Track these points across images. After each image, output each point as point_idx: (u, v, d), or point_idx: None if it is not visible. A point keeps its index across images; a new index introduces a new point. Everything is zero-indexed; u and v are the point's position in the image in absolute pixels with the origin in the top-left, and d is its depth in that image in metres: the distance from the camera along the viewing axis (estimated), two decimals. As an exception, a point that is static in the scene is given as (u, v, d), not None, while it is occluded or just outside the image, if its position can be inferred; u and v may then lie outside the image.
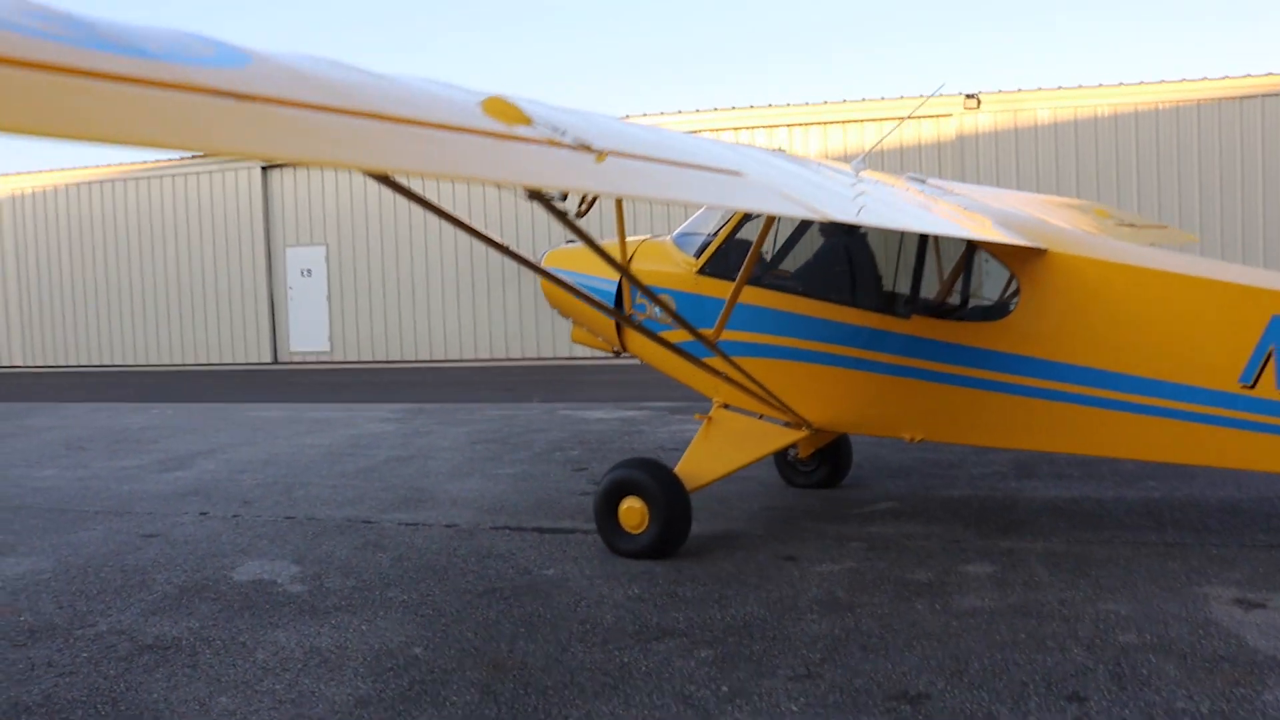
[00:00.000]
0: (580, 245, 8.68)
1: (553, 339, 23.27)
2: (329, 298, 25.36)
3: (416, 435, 12.84)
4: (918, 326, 6.87)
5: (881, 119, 21.40)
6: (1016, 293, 6.64)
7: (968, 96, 20.96)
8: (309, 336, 25.39)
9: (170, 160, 26.35)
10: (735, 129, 21.89)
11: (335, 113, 3.03)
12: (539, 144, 3.45)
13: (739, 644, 5.31)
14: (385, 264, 24.98)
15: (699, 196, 4.77)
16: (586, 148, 3.59)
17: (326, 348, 25.22)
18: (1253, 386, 5.83)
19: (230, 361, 26.53)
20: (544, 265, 7.93)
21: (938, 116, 21.27)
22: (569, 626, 5.65)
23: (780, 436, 7.61)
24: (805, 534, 7.39)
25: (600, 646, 5.34)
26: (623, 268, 6.25)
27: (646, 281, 7.52)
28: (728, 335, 7.12)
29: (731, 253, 7.56)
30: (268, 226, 26.24)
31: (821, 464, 8.87)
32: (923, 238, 7.07)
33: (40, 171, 28.41)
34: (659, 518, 6.77)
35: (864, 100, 21.72)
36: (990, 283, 7.01)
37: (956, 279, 7.14)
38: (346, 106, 3.08)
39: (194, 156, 26.07)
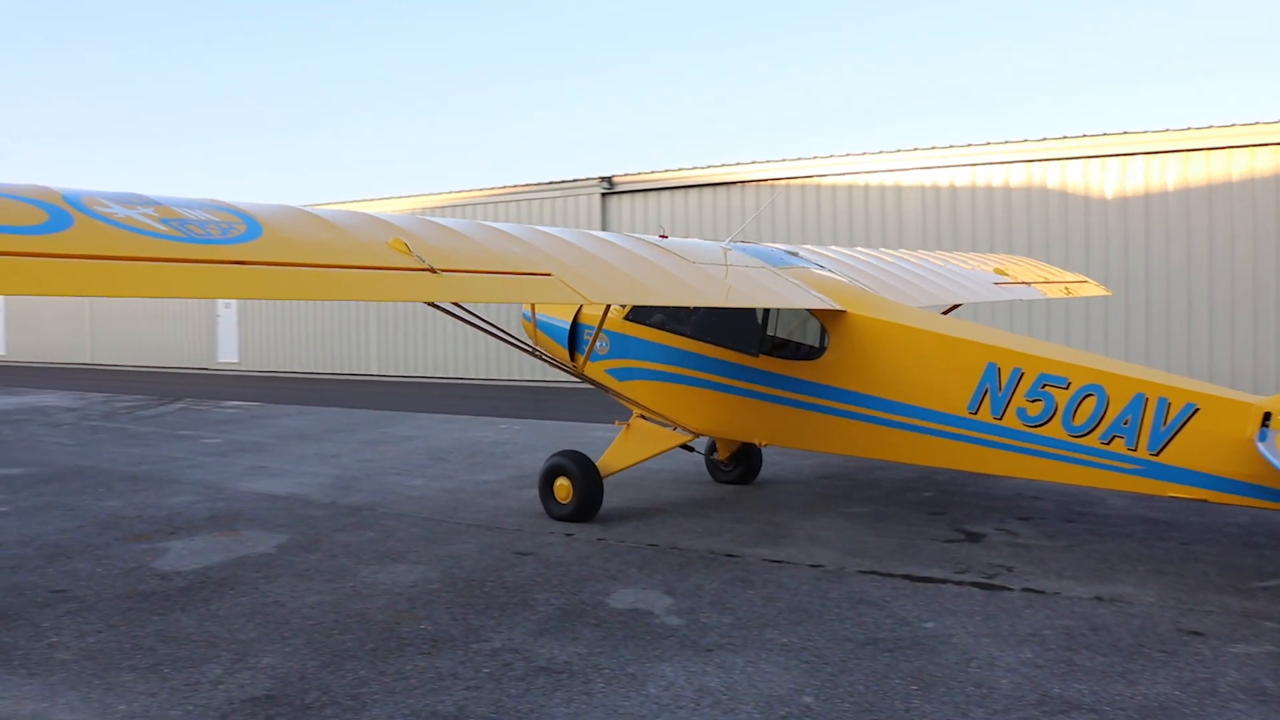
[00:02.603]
0: None
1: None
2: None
3: (757, 465, 12.79)
4: (763, 362, 9.38)
5: (1235, 146, 19.49)
6: (826, 340, 8.86)
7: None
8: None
9: (517, 186, 27.89)
10: (1086, 157, 20.59)
11: (310, 267, 5.37)
12: (409, 270, 5.83)
13: (1158, 728, 4.89)
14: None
15: (513, 297, 6.41)
16: (431, 269, 5.88)
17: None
18: (975, 412, 7.90)
19: (560, 380, 27.59)
20: (524, 310, 11.76)
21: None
22: (963, 689, 5.40)
23: (671, 439, 10.19)
24: (1207, 606, 6.78)
25: (1002, 714, 5.06)
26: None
27: (592, 323, 10.65)
28: (640, 364, 10.30)
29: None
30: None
31: (738, 465, 11.55)
32: None
33: (390, 198, 30.58)
34: (579, 494, 9.56)
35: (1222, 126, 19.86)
36: (813, 332, 9.16)
37: (791, 328, 9.52)
38: (317, 261, 5.45)
39: (539, 183, 27.46)
